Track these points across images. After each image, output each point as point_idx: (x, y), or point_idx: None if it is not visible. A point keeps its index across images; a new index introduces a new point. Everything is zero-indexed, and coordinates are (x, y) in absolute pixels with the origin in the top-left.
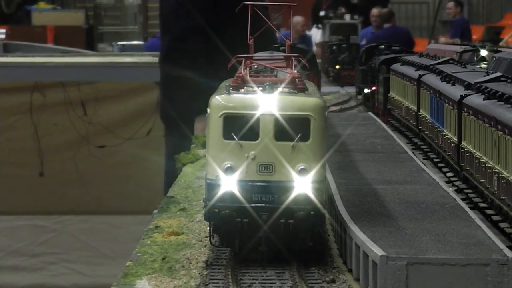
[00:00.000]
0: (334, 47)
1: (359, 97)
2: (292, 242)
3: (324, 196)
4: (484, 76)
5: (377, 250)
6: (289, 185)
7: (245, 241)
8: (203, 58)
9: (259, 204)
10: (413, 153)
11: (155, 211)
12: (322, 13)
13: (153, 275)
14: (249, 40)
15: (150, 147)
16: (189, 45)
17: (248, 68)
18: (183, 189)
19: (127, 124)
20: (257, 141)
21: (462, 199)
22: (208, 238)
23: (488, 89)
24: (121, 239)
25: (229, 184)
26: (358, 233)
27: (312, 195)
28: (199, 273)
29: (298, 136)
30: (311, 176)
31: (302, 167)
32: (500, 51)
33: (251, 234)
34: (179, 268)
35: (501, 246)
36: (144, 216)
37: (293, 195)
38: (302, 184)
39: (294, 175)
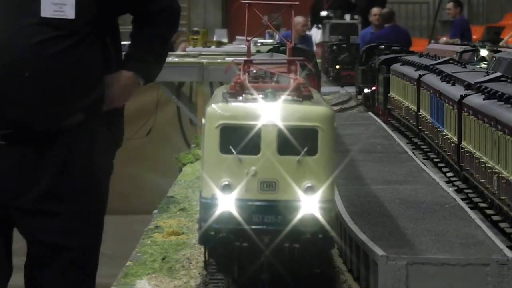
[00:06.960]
0: (334, 47)
1: (359, 97)
2: (298, 269)
3: (333, 215)
4: (484, 76)
5: (377, 250)
6: (294, 204)
7: (244, 267)
8: None
9: (261, 226)
10: (413, 153)
11: (155, 211)
12: (323, 13)
13: (153, 275)
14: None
15: (150, 147)
16: None
17: (247, 73)
18: (183, 189)
19: (127, 124)
20: (258, 155)
21: (462, 199)
22: (204, 264)
23: (488, 89)
24: (121, 239)
25: (227, 203)
26: (358, 233)
27: (320, 216)
28: (199, 273)
29: (305, 149)
30: (319, 194)
31: (309, 184)
32: (500, 51)
33: (251, 260)
34: (179, 268)
35: (501, 246)
36: (144, 216)
37: (299, 216)
38: (309, 204)
39: (300, 193)
